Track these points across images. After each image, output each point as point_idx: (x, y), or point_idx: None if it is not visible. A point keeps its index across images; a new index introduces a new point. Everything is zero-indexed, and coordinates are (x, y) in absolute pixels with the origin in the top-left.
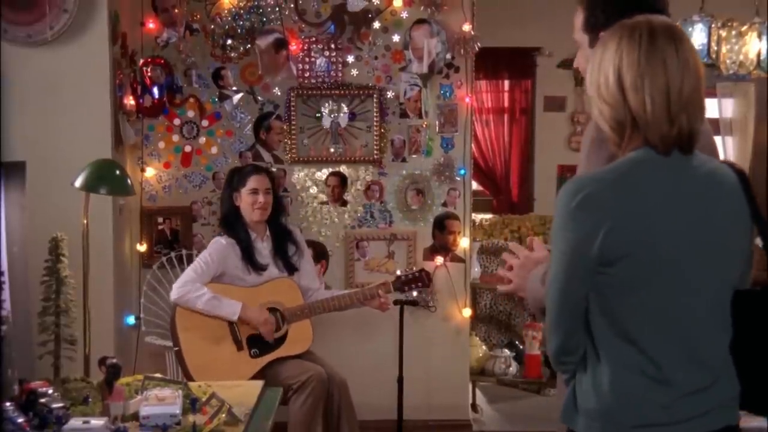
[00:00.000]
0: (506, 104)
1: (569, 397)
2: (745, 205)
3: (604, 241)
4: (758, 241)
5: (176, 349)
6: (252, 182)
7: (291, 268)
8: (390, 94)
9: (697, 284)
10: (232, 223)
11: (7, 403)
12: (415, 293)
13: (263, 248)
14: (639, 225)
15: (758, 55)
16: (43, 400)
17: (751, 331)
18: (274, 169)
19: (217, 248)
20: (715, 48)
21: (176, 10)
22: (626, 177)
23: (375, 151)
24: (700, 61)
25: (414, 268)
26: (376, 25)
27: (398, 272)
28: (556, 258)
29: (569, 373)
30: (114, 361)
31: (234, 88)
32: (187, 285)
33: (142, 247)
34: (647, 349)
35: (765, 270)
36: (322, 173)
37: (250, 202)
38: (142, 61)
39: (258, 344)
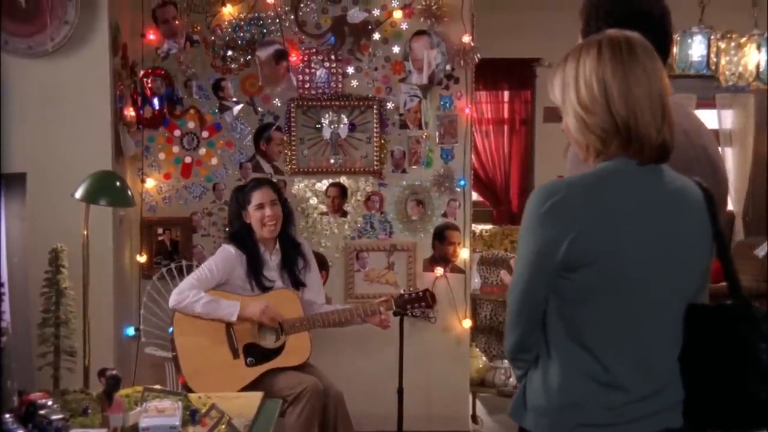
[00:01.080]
0: (506, 115)
1: (519, 394)
2: (708, 224)
3: (570, 247)
4: (759, 252)
5: (173, 354)
6: (256, 197)
7: (297, 284)
8: (390, 105)
9: (656, 296)
10: (242, 241)
11: (7, 415)
12: (417, 313)
13: (271, 261)
14: (606, 234)
15: (757, 66)
16: (42, 412)
17: (699, 346)
18: (274, 180)
19: (225, 257)
20: (715, 59)
21: (177, 22)
22: (598, 186)
23: (375, 162)
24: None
25: (419, 288)
26: (376, 36)
27: (402, 290)
28: (521, 259)
29: (522, 371)
30: (113, 372)
31: (234, 99)
32: (185, 291)
33: (142, 258)
34: (600, 355)
35: (765, 281)
36: (322, 184)
37: (259, 217)
38: (142, 72)
39: (254, 353)
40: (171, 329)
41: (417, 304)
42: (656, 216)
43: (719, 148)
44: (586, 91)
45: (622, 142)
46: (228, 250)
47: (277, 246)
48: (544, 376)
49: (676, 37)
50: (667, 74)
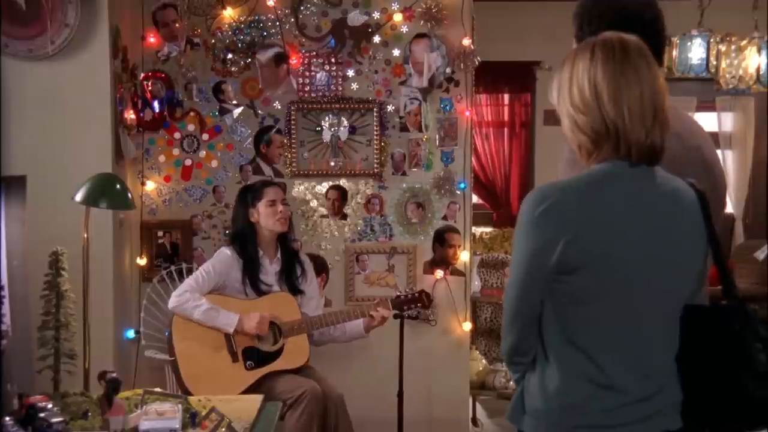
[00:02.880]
0: (506, 118)
1: (517, 397)
2: (703, 226)
3: (564, 250)
4: (759, 255)
5: (172, 359)
6: (269, 194)
7: (295, 291)
8: (390, 108)
9: (651, 298)
10: (243, 242)
11: (7, 418)
12: (414, 313)
13: (270, 269)
14: (600, 236)
15: (758, 69)
16: (42, 415)
17: (696, 346)
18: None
19: (222, 259)
20: (714, 62)
21: (177, 25)
22: (591, 188)
23: (375, 165)
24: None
25: (414, 288)
26: (376, 39)
27: (398, 292)
28: (517, 263)
29: (519, 374)
30: (114, 375)
31: (234, 102)
32: (186, 294)
33: (142, 261)
34: (596, 357)
35: (765, 284)
36: (323, 187)
37: (271, 213)
38: (142, 75)
39: (254, 357)
40: (168, 332)
41: (413, 304)
42: (650, 217)
43: (717, 150)
44: (578, 92)
45: (612, 143)
46: (224, 252)
47: (278, 255)
48: (541, 378)
49: (676, 39)
50: (665, 77)
